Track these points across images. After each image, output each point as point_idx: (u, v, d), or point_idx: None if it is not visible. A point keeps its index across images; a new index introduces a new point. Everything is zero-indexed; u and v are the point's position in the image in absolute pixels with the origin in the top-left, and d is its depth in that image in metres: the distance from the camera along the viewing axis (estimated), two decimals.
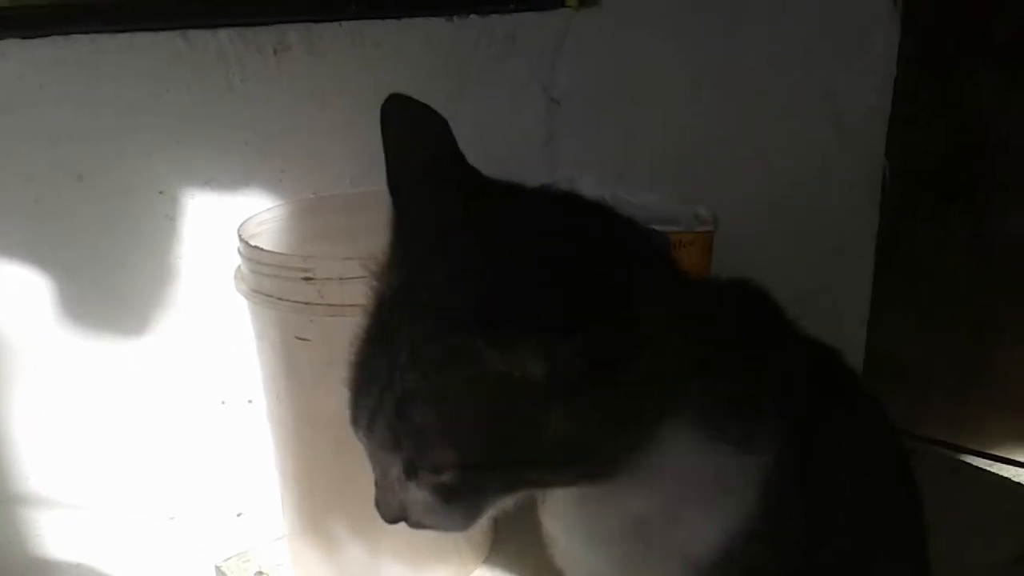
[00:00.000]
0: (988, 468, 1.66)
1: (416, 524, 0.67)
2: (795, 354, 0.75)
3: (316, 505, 1.19)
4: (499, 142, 1.38)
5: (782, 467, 0.69)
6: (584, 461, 0.63)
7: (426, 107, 0.69)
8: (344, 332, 1.09)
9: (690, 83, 1.59)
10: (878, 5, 1.75)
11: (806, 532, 0.72)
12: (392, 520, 0.67)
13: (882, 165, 1.85)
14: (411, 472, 0.65)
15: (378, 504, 0.68)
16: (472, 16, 1.37)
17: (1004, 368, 1.77)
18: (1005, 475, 1.64)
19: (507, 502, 0.67)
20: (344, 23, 1.27)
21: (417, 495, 0.65)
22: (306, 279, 1.04)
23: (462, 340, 0.57)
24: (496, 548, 1.27)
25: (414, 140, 0.68)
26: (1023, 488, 1.58)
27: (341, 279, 1.03)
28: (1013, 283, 1.74)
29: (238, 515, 1.34)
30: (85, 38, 1.10)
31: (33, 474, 1.17)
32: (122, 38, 1.12)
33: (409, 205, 0.68)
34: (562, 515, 0.76)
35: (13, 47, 1.06)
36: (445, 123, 0.68)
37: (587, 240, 0.65)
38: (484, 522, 0.68)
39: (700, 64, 1.59)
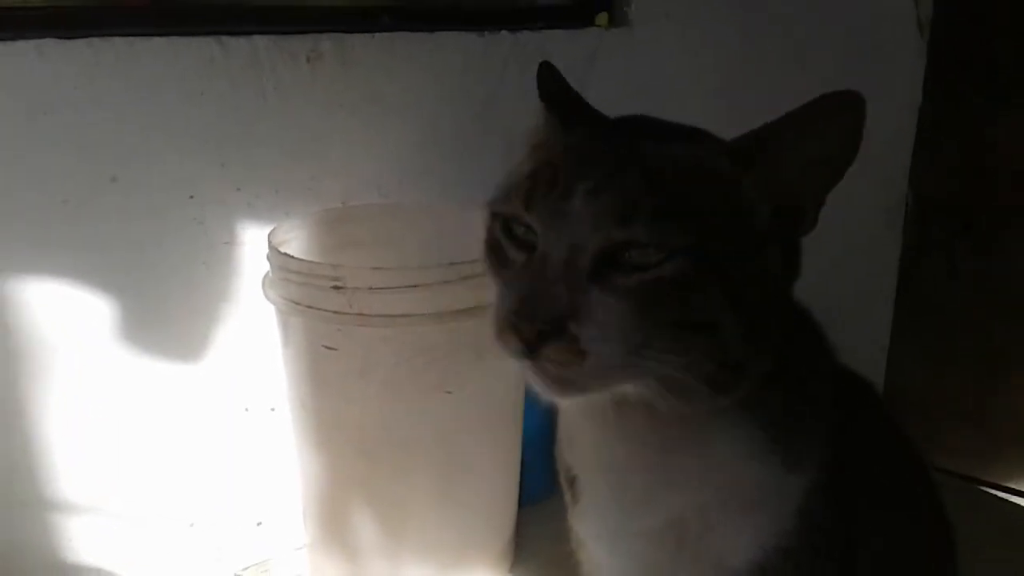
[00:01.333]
0: (1009, 499, 1.65)
1: (571, 346, 0.55)
2: (840, 385, 0.75)
3: (338, 515, 1.18)
4: None
5: (820, 492, 0.69)
6: (761, 333, 0.60)
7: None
8: (372, 342, 1.10)
9: (715, 104, 1.58)
10: (905, 34, 1.76)
11: (838, 559, 0.71)
12: (550, 320, 0.55)
13: (904, 194, 1.85)
14: (603, 267, 0.57)
15: (527, 303, 0.56)
16: (503, 32, 1.37)
17: (1016, 400, 1.76)
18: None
19: (657, 371, 0.57)
20: (377, 34, 1.27)
21: (604, 298, 0.56)
22: (336, 287, 1.03)
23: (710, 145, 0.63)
24: (519, 561, 1.26)
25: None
26: None
27: (371, 289, 1.03)
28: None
29: (258, 524, 1.33)
30: (122, 40, 1.11)
31: (59, 477, 1.16)
32: (158, 41, 1.13)
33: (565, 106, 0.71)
34: (597, 516, 0.74)
35: (51, 47, 1.06)
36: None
37: None
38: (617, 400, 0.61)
39: (725, 86, 1.60)
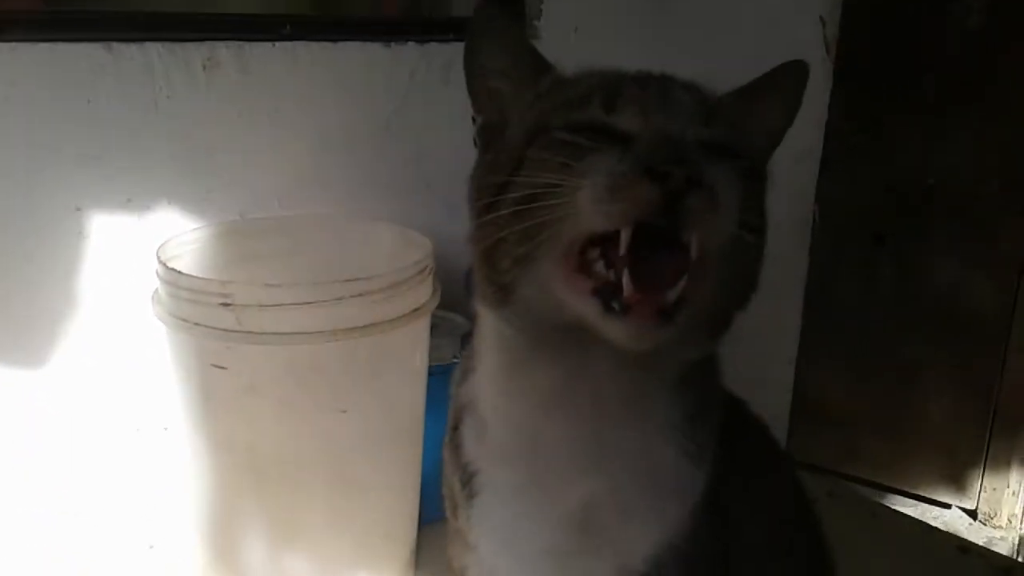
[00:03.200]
0: (906, 511, 1.69)
1: (709, 196, 0.55)
2: (725, 402, 0.76)
3: (231, 536, 1.15)
4: (438, 163, 1.37)
5: (708, 495, 0.69)
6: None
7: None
8: (262, 360, 1.07)
9: None
10: (811, 53, 1.79)
11: (720, 568, 0.72)
12: (695, 168, 0.55)
13: (811, 209, 1.88)
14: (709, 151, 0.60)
15: (668, 154, 0.56)
16: (410, 43, 1.36)
17: (926, 411, 1.80)
18: (922, 517, 1.68)
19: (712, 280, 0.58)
20: (278, 43, 1.25)
21: (728, 169, 0.58)
22: (224, 304, 1.00)
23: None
24: None
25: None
26: (937, 531, 1.61)
27: (261, 306, 1.01)
28: (935, 329, 1.77)
29: (150, 547, 1.28)
30: (5, 46, 1.07)
31: None
32: (43, 47, 1.09)
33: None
34: (500, 507, 0.72)
35: None
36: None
37: None
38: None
39: None
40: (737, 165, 0.59)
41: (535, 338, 0.66)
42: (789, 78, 0.74)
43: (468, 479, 0.74)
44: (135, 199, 1.17)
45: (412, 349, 1.17)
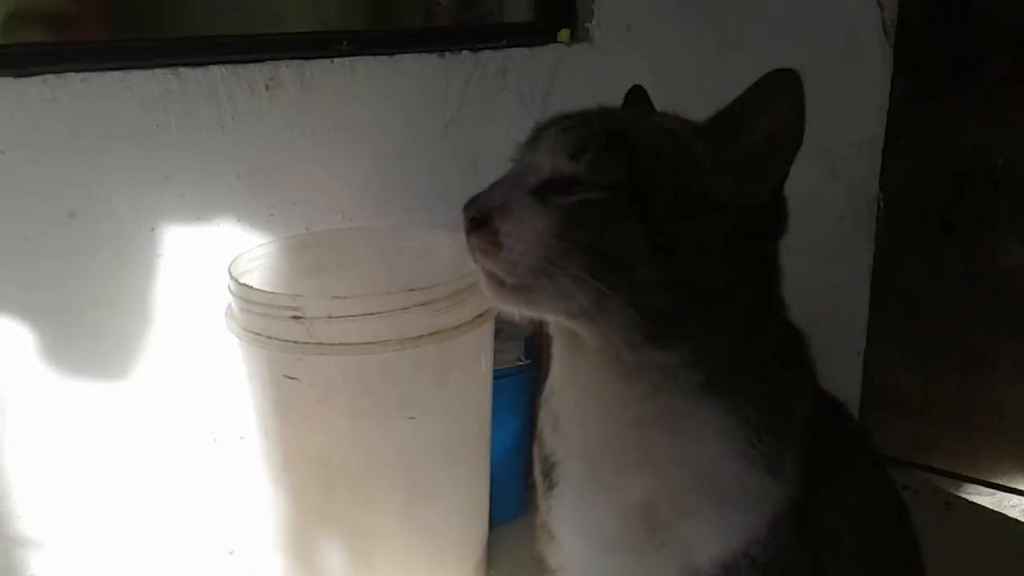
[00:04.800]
0: (981, 501, 1.66)
1: (491, 235, 0.64)
2: (819, 408, 0.75)
3: (306, 543, 1.18)
4: (494, 169, 1.38)
5: (793, 506, 0.69)
6: (692, 292, 0.64)
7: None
8: (333, 370, 1.10)
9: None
10: (870, 40, 1.76)
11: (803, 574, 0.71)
12: (481, 209, 0.65)
13: (876, 198, 1.85)
14: (547, 189, 0.65)
15: (475, 197, 0.66)
16: (464, 52, 1.37)
17: (998, 399, 1.77)
18: (999, 506, 1.64)
19: (570, 297, 0.64)
20: (336, 60, 1.28)
21: (533, 206, 0.64)
22: (295, 318, 1.04)
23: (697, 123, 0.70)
24: None
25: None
26: (1013, 521, 1.58)
27: (330, 317, 1.03)
28: (1005, 316, 1.73)
29: (230, 553, 1.33)
30: (77, 76, 1.11)
31: (23, 514, 1.16)
32: (114, 76, 1.13)
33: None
34: (572, 497, 0.75)
35: (6, 86, 1.07)
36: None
37: None
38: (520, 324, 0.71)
39: (687, 99, 1.58)
40: (586, 199, 0.64)
41: (556, 338, 0.73)
42: (771, 92, 0.67)
43: (549, 470, 0.77)
44: (204, 217, 1.21)
45: (477, 354, 1.19)
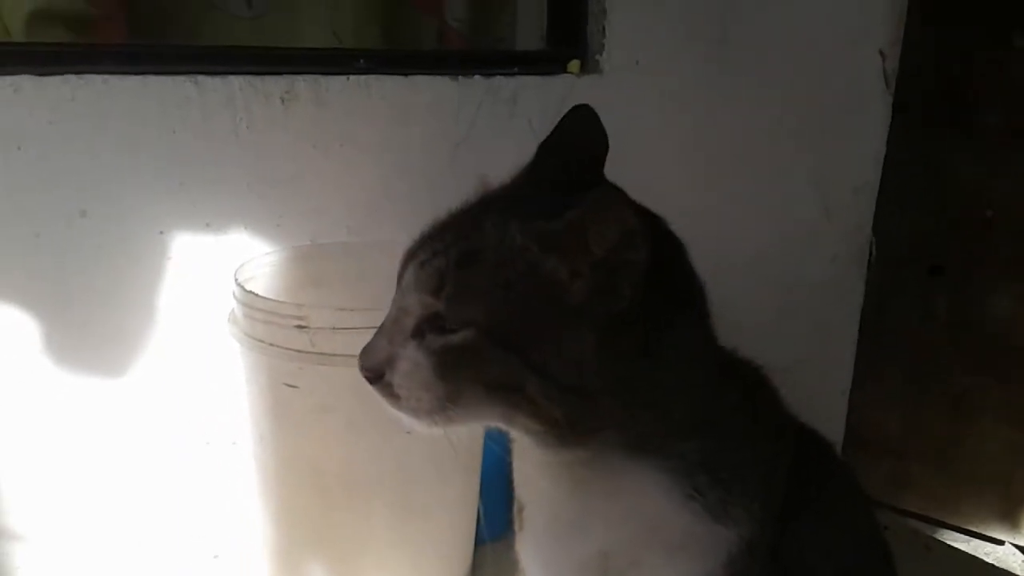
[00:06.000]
0: (959, 547, 1.68)
1: (388, 388, 0.68)
2: (785, 442, 0.77)
3: (295, 551, 1.19)
4: None
5: (753, 547, 0.71)
6: (581, 397, 0.65)
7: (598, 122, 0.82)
8: (333, 381, 1.11)
9: (682, 152, 1.62)
10: (871, 87, 1.80)
11: None
12: (370, 367, 0.68)
13: (869, 240, 1.88)
14: (423, 328, 0.67)
15: (364, 351, 0.69)
16: (477, 77, 1.40)
17: (981, 445, 1.79)
18: (974, 552, 1.66)
19: (481, 418, 0.69)
20: (352, 77, 1.30)
21: (413, 354, 0.67)
22: (299, 327, 1.05)
23: (544, 232, 0.64)
24: None
25: (581, 136, 0.82)
26: (991, 567, 1.60)
27: (334, 329, 1.05)
28: (991, 360, 1.76)
29: (215, 557, 1.33)
30: (98, 78, 1.13)
31: (11, 508, 1.17)
32: (134, 80, 1.15)
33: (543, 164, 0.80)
34: (534, 544, 0.79)
35: (27, 83, 1.09)
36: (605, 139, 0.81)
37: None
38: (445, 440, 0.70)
39: (695, 133, 1.63)
40: (451, 341, 0.65)
41: None
42: (605, 210, 0.63)
43: (519, 511, 0.82)
44: (213, 223, 1.23)
45: None
